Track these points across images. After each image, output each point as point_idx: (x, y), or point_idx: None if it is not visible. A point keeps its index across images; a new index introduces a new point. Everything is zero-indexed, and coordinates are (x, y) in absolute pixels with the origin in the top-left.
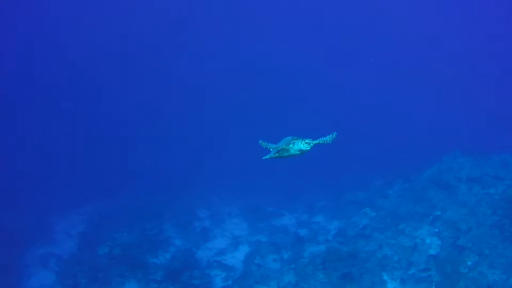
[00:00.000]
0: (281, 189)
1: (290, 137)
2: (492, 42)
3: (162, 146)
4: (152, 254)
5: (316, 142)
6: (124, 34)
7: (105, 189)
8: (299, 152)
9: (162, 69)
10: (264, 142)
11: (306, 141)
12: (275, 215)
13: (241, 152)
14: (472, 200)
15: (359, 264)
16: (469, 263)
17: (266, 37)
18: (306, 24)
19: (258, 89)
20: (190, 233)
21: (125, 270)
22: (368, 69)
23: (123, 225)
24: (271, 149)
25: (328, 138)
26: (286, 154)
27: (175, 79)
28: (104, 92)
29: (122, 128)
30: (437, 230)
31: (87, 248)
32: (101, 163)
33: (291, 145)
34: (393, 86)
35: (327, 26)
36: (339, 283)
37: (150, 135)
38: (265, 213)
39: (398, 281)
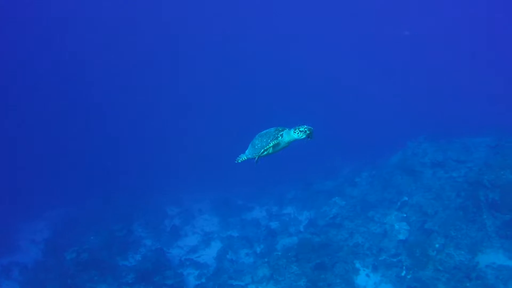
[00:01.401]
0: (251, 181)
1: (273, 129)
2: (456, 27)
3: (129, 144)
4: (122, 256)
5: (306, 128)
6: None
7: (70, 193)
8: (287, 145)
9: (128, 66)
10: (244, 156)
11: (301, 129)
12: (246, 209)
13: (210, 146)
14: (437, 184)
15: (332, 253)
16: (437, 245)
17: (237, 28)
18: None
19: (226, 83)
20: (160, 232)
21: (95, 275)
22: (336, 57)
23: (91, 229)
24: (259, 153)
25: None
26: (271, 151)
27: (142, 76)
28: (65, 93)
29: (86, 129)
30: (405, 215)
31: (53, 255)
32: (65, 167)
33: (280, 138)
34: (359, 74)
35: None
36: (313, 274)
37: (117, 134)
38: (236, 207)
39: (370, 268)
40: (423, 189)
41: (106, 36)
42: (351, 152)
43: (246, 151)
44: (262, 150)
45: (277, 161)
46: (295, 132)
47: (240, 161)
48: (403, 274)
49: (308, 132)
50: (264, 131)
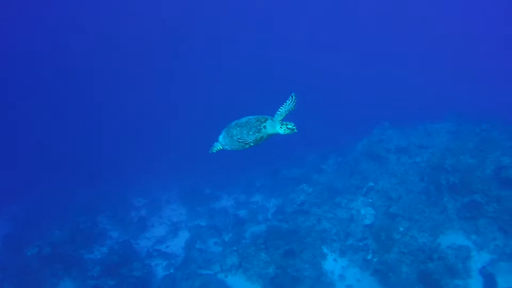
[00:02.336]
0: (218, 169)
1: (254, 118)
2: (422, 11)
3: (93, 134)
4: (87, 249)
5: (293, 126)
6: None
7: (31, 186)
8: (268, 137)
9: (96, 51)
10: (219, 145)
11: (289, 126)
12: (214, 198)
13: (177, 134)
14: (401, 170)
15: (300, 239)
16: (401, 229)
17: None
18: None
19: (195, 69)
20: (126, 223)
21: (58, 270)
22: (304, 46)
23: (53, 222)
24: (237, 147)
25: (289, 104)
26: (253, 144)
27: (107, 62)
28: (22, 81)
29: (45, 120)
30: (370, 200)
31: (12, 251)
32: (26, 159)
33: (263, 130)
34: (325, 62)
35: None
36: (282, 261)
37: (79, 124)
38: (204, 196)
39: (337, 253)
40: (388, 175)
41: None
42: (317, 139)
43: (221, 139)
44: (242, 144)
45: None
46: (281, 128)
47: (214, 151)
48: (369, 257)
49: (295, 130)
50: (243, 119)
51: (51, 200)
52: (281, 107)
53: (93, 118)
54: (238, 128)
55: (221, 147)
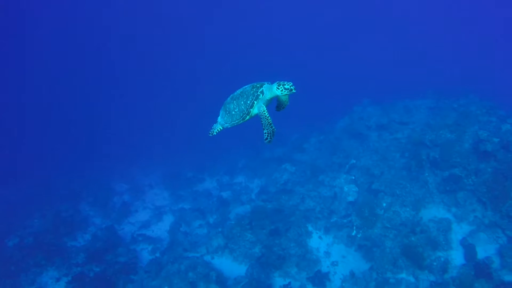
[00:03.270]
0: (200, 152)
1: (249, 87)
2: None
3: (74, 120)
4: (70, 237)
5: (291, 85)
6: None
7: (9, 176)
8: (267, 103)
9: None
10: (220, 126)
11: (286, 86)
12: (197, 180)
13: (157, 120)
14: (382, 146)
15: (285, 219)
16: (384, 204)
17: None
18: None
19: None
20: (109, 209)
21: (41, 259)
22: (286, 23)
23: (34, 211)
24: (239, 120)
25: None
26: (254, 113)
27: (91, 48)
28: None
29: (26, 107)
30: (353, 177)
31: None
32: (2, 147)
33: (261, 96)
34: (306, 40)
35: None
36: (267, 240)
37: (61, 110)
38: (186, 179)
39: (322, 230)
40: (369, 152)
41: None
42: (298, 119)
43: (219, 119)
44: (243, 115)
45: (225, 129)
46: (278, 88)
47: (215, 133)
48: (353, 233)
49: (293, 90)
50: (238, 91)
51: (31, 189)
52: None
53: (72, 106)
54: (234, 101)
55: (221, 128)
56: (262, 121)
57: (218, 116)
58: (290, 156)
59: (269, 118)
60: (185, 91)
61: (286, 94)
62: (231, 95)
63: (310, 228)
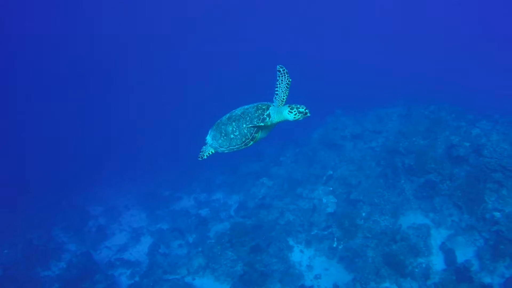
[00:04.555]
0: (175, 169)
1: (252, 107)
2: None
3: (42, 141)
4: (43, 266)
5: (305, 108)
6: None
7: None
8: (273, 127)
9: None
10: (211, 149)
11: (301, 109)
12: (174, 199)
13: (130, 138)
14: (358, 156)
15: (265, 234)
16: (363, 214)
17: None
18: None
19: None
20: (84, 234)
21: None
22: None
23: (3, 241)
24: (239, 146)
25: (282, 79)
26: (258, 138)
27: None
28: None
29: None
30: (331, 188)
31: None
32: None
33: (267, 120)
34: (278, 50)
35: None
36: (249, 257)
37: (26, 131)
38: (163, 199)
39: (303, 244)
40: (346, 162)
41: None
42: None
43: (210, 140)
44: (245, 140)
45: (201, 145)
46: (291, 112)
47: (205, 157)
48: (335, 245)
49: (308, 114)
50: (237, 111)
51: None
52: (276, 89)
53: (39, 125)
54: (233, 123)
55: (212, 151)
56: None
57: (206, 135)
58: (267, 170)
59: (256, 139)
60: (160, 108)
61: (299, 118)
62: (228, 115)
63: (291, 242)
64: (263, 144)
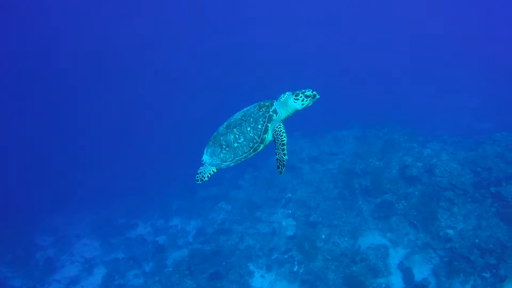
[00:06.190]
0: (130, 195)
1: (254, 108)
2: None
3: None
4: None
5: (311, 90)
6: None
7: None
8: (283, 121)
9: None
10: (213, 168)
11: (307, 93)
12: (129, 226)
13: (84, 160)
14: (316, 178)
15: (225, 260)
16: (323, 236)
17: None
18: None
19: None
20: (31, 268)
21: None
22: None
23: None
24: (247, 155)
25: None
26: (268, 140)
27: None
28: None
29: None
30: (290, 211)
31: None
32: None
33: (275, 117)
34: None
35: None
36: (208, 285)
37: None
38: (118, 226)
39: (264, 269)
40: (304, 184)
41: None
42: None
43: (208, 159)
44: (253, 145)
45: (157, 168)
46: (297, 100)
47: (206, 178)
48: (295, 269)
49: (317, 95)
50: (235, 116)
51: None
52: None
53: None
54: (235, 130)
55: (215, 170)
56: (277, 145)
57: (203, 155)
58: (225, 194)
59: (285, 141)
60: (118, 126)
61: (308, 104)
62: (226, 124)
63: (251, 268)
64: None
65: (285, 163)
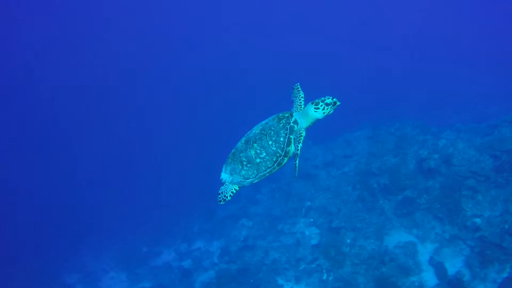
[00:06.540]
0: (150, 223)
1: (273, 120)
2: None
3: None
4: None
5: (331, 98)
6: None
7: None
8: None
9: None
10: (235, 187)
11: (328, 101)
12: (153, 254)
13: (99, 195)
14: (333, 182)
15: (252, 277)
16: (348, 240)
17: None
18: None
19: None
20: None
21: None
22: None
23: None
24: (270, 170)
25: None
26: (292, 152)
27: None
28: None
29: None
30: (312, 219)
31: None
32: None
33: (296, 128)
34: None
35: None
36: None
37: None
38: (142, 256)
39: (293, 280)
40: (322, 191)
41: None
42: None
43: (228, 177)
44: (277, 159)
45: (175, 194)
46: (318, 109)
47: (229, 197)
48: (324, 277)
49: (338, 102)
50: (255, 129)
51: None
52: (292, 99)
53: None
54: (255, 145)
55: (237, 188)
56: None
57: (221, 174)
58: (245, 211)
59: (290, 154)
60: (134, 152)
61: (330, 112)
62: (244, 139)
63: (280, 281)
64: None
65: (297, 164)
